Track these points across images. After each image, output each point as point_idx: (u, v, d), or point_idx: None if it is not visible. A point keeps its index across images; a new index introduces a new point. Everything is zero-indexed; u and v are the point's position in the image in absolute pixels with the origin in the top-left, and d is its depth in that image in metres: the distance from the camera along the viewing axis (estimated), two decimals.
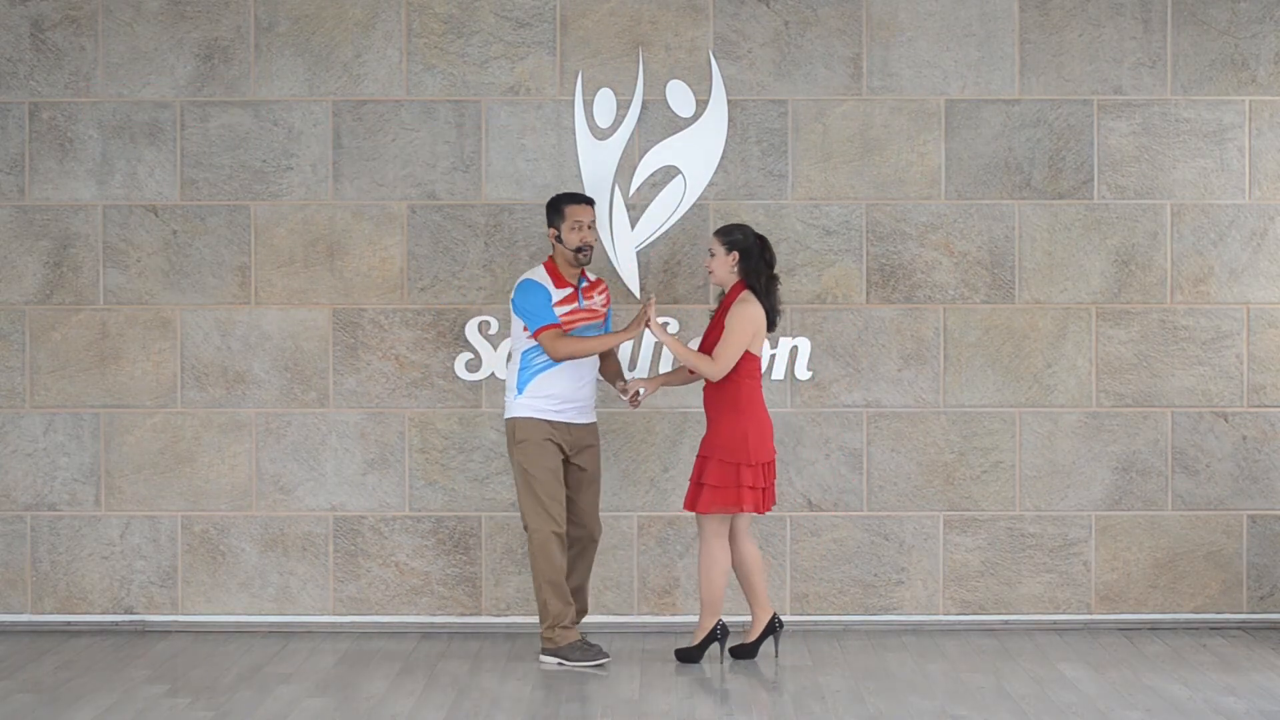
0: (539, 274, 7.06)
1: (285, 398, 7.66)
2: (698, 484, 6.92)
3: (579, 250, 7.05)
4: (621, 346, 7.49)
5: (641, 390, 7.15)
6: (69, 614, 7.68)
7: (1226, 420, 7.68)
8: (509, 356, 7.28)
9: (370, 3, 7.65)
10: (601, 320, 7.19)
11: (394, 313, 7.65)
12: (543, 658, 7.01)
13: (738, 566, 7.05)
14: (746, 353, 6.92)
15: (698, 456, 6.98)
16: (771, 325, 7.00)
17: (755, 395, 6.96)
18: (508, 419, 7.08)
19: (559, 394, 7.04)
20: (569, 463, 7.12)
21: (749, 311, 6.90)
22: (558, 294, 7.03)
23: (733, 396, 6.92)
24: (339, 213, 7.67)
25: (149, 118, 7.65)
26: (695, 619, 7.59)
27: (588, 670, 6.89)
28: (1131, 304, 7.69)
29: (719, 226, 7.21)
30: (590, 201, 7.15)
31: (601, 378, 7.28)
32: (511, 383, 7.08)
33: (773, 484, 7.01)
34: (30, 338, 7.67)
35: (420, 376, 7.64)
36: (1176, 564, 7.70)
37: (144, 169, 7.66)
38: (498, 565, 7.65)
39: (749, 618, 7.13)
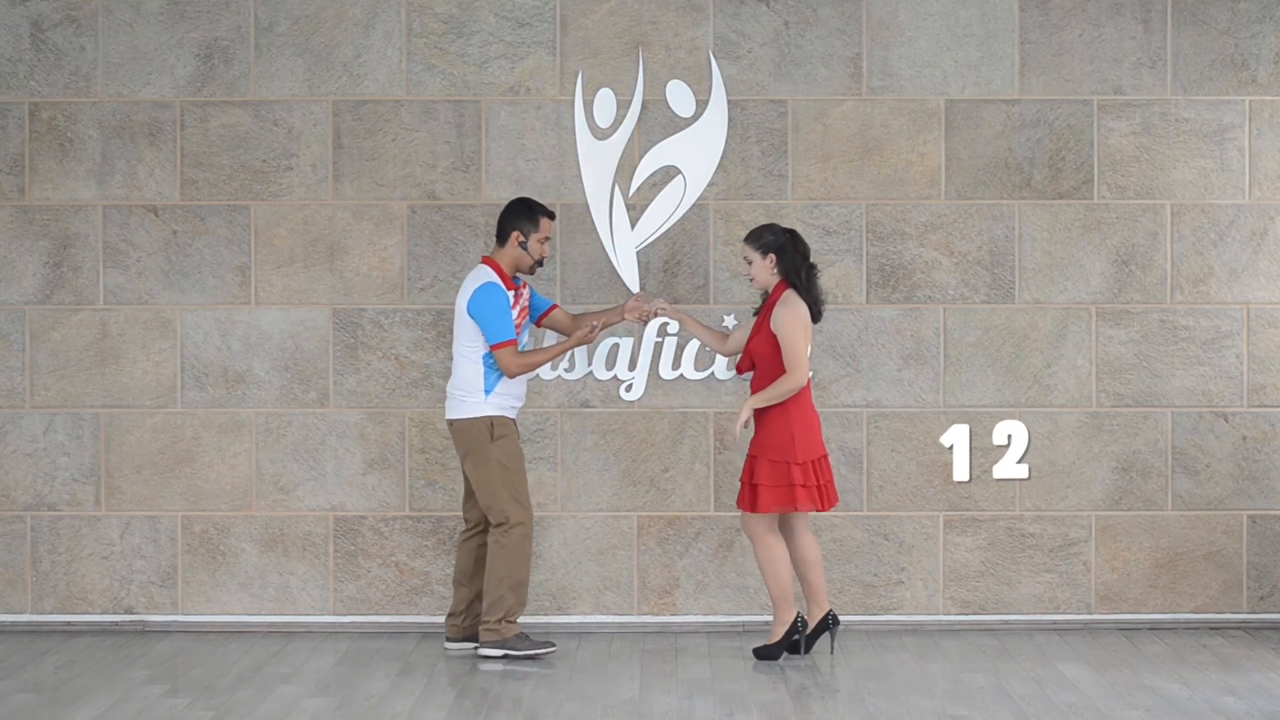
0: (493, 276, 7.01)
1: (285, 398, 7.66)
2: (751, 484, 6.85)
3: (539, 263, 7.10)
4: (626, 334, 7.51)
5: (661, 310, 7.21)
6: (69, 614, 7.68)
7: (1226, 420, 7.68)
8: (456, 358, 7.08)
9: (370, 3, 7.65)
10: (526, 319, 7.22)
11: (394, 313, 7.65)
12: (485, 651, 6.99)
13: (797, 563, 6.98)
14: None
15: (747, 456, 6.91)
16: (816, 317, 6.93)
17: (801, 393, 6.88)
18: (476, 417, 6.99)
19: (517, 393, 7.10)
20: None
21: (795, 312, 6.83)
22: (509, 296, 7.03)
23: None
24: (339, 213, 7.67)
25: (149, 118, 7.66)
26: (695, 618, 7.61)
27: (539, 655, 6.95)
28: (1131, 304, 7.68)
29: (749, 232, 7.06)
30: (554, 216, 7.27)
31: (563, 334, 7.29)
32: (474, 384, 6.98)
33: (830, 481, 6.94)
34: (30, 338, 7.67)
35: (420, 376, 7.64)
36: (1176, 564, 7.70)
37: (144, 169, 7.66)
38: None
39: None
